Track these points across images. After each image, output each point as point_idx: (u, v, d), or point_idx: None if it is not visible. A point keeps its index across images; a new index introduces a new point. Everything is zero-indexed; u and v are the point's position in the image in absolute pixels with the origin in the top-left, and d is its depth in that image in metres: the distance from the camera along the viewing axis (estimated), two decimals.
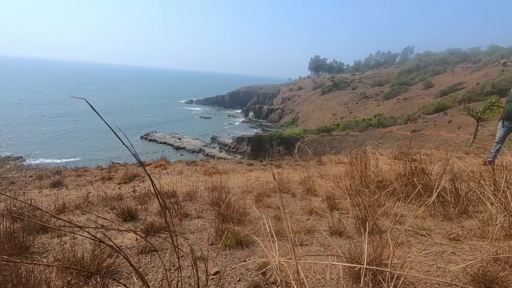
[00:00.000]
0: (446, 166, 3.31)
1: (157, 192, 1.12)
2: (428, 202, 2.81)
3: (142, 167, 5.54)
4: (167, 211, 2.71)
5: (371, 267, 1.60)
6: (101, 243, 2.34)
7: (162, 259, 2.11)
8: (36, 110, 61.52)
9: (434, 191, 2.88)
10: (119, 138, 1.04)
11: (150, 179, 1.11)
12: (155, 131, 55.30)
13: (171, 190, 3.90)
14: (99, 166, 6.24)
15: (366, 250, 1.48)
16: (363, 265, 1.35)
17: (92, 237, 1.10)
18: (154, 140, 50.86)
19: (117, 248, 1.26)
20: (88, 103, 0.98)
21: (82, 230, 2.64)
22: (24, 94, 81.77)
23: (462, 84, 53.05)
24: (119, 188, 4.59)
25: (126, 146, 1.03)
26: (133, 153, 1.06)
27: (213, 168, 5.94)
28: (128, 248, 2.32)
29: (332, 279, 1.88)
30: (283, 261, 1.27)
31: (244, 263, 2.14)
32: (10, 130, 44.78)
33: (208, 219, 3.01)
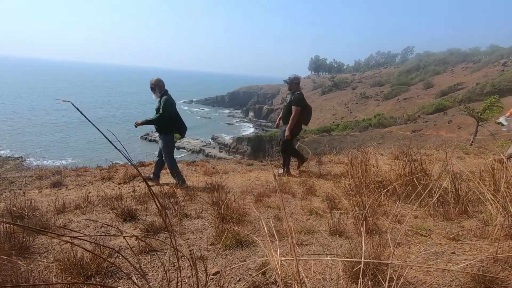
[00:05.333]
0: (446, 166, 3.32)
1: (153, 195, 1.12)
2: (430, 204, 2.82)
3: (142, 167, 5.54)
4: (166, 211, 2.71)
5: (370, 261, 1.60)
6: (102, 243, 2.34)
7: (162, 259, 2.11)
8: (43, 117, 59.48)
9: (434, 192, 2.89)
10: (110, 142, 1.01)
11: (146, 183, 1.11)
12: (154, 131, 55.27)
13: (171, 190, 3.90)
14: (99, 166, 6.23)
15: (364, 247, 1.48)
16: (361, 263, 1.35)
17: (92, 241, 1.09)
18: (154, 140, 50.85)
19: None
20: (76, 108, 0.93)
21: (81, 232, 2.64)
22: (27, 96, 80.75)
23: (462, 84, 53.05)
24: (119, 188, 4.59)
25: (118, 149, 1.01)
26: (126, 157, 1.04)
27: (213, 168, 5.94)
28: (128, 248, 2.32)
29: (332, 279, 1.88)
30: (284, 261, 1.27)
31: (244, 263, 2.14)
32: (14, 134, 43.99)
33: (208, 219, 3.01)
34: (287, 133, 4.92)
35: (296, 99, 4.84)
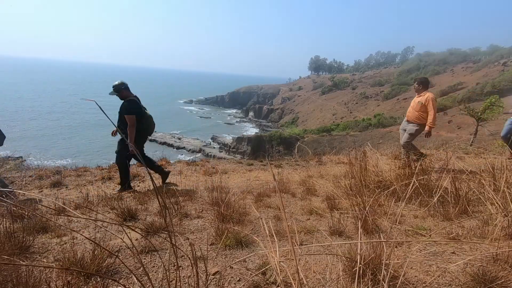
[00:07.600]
0: (446, 166, 3.32)
1: (157, 191, 1.12)
2: (430, 204, 2.82)
3: (142, 167, 5.54)
4: (166, 211, 2.71)
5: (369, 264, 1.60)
6: (101, 243, 2.34)
7: (162, 259, 2.11)
8: (44, 117, 58.57)
9: (434, 192, 2.89)
10: (125, 139, 1.06)
11: (151, 178, 1.11)
12: (155, 131, 55.26)
13: (171, 190, 3.90)
14: (99, 166, 6.23)
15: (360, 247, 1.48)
16: (361, 263, 1.35)
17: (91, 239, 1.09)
18: (154, 140, 50.86)
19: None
20: (99, 106, 0.98)
21: (81, 231, 2.64)
22: (28, 96, 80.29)
23: (462, 84, 53.04)
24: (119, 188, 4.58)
25: (131, 146, 1.04)
26: (137, 154, 1.07)
27: (213, 168, 5.94)
28: (128, 248, 2.32)
29: (332, 279, 1.88)
30: (283, 261, 1.27)
31: (244, 263, 2.14)
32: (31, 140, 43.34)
33: (208, 219, 3.01)
34: (131, 147, 3.98)
35: (124, 107, 4.22)
